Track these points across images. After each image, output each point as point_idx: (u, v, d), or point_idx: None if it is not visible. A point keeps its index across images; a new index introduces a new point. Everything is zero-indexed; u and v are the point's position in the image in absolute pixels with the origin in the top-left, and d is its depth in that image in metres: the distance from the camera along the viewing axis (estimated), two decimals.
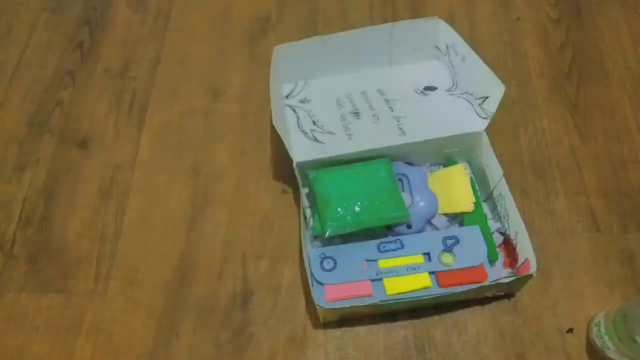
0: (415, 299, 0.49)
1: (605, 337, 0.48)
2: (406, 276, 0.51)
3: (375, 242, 0.52)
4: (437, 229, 0.54)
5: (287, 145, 0.54)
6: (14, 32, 0.75)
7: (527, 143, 0.62)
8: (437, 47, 0.62)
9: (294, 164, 0.54)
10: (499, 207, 0.54)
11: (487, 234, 0.53)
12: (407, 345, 0.52)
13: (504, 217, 0.53)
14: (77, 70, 0.71)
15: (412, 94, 0.60)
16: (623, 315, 0.46)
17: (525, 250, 0.49)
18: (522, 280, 0.49)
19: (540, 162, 0.61)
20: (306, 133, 0.58)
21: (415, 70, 0.63)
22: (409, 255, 0.52)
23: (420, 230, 0.54)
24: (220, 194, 0.61)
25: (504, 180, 0.52)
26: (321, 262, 0.52)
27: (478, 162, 0.57)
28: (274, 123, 0.53)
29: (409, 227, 0.53)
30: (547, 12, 0.72)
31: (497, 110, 0.53)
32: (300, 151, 0.55)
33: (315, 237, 0.55)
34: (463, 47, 0.56)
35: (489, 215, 0.56)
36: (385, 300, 0.50)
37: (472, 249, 0.51)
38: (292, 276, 0.56)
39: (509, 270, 0.53)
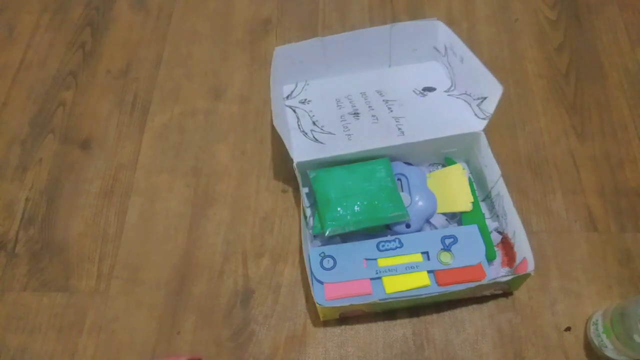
0: (414, 297, 0.49)
1: (603, 336, 0.48)
2: (405, 275, 0.51)
3: (374, 241, 0.53)
4: (436, 228, 0.55)
5: (287, 146, 0.55)
6: (16, 33, 0.75)
7: (525, 143, 0.62)
8: (435, 48, 0.62)
9: (294, 164, 0.55)
10: (497, 207, 0.55)
11: (485, 233, 0.53)
12: (406, 343, 0.52)
13: (502, 217, 0.54)
14: (79, 71, 0.71)
15: (411, 95, 0.61)
16: (621, 314, 0.46)
17: (523, 249, 0.50)
18: (520, 279, 0.50)
19: (538, 162, 0.61)
20: (306, 133, 0.58)
21: (414, 71, 0.63)
22: (408, 254, 0.52)
23: (419, 230, 0.54)
24: (221, 194, 0.61)
25: (502, 180, 0.53)
26: (321, 261, 0.52)
27: (476, 162, 0.57)
28: (274, 123, 0.53)
29: (408, 226, 0.54)
30: (545, 13, 0.72)
31: (495, 111, 0.53)
32: (301, 151, 0.56)
33: (315, 236, 0.56)
34: (461, 48, 0.57)
35: (487, 215, 0.56)
36: (384, 299, 0.50)
37: (470, 248, 0.52)
38: (292, 275, 0.56)
39: (507, 269, 0.53)
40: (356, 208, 0.53)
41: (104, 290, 0.56)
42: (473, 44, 0.65)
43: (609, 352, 0.48)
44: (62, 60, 0.72)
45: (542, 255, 0.55)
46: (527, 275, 0.48)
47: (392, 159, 0.56)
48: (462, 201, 0.55)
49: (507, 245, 0.53)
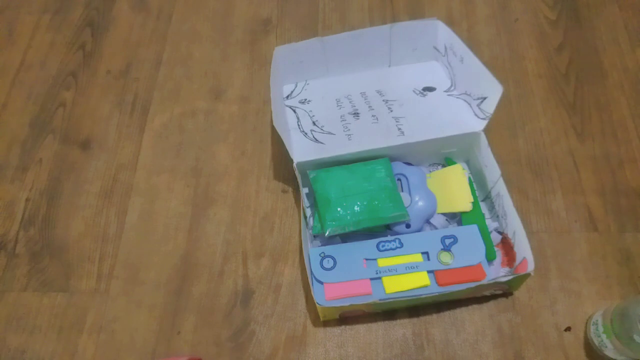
0: (414, 297, 0.49)
1: (603, 336, 0.48)
2: (405, 275, 0.51)
3: (374, 241, 0.53)
4: (436, 228, 0.55)
5: (287, 146, 0.55)
6: (16, 33, 0.75)
7: (525, 143, 0.62)
8: (435, 48, 0.62)
9: (294, 164, 0.55)
10: (497, 207, 0.55)
11: (485, 234, 0.53)
12: (406, 344, 0.52)
13: (502, 217, 0.54)
14: (79, 71, 0.71)
15: (411, 95, 0.61)
16: (621, 314, 0.46)
17: (523, 249, 0.50)
18: (520, 279, 0.50)
19: (538, 162, 0.61)
20: (306, 133, 0.58)
21: (414, 71, 0.63)
22: (408, 254, 0.52)
23: (419, 230, 0.54)
24: (221, 194, 0.61)
25: (502, 180, 0.53)
26: (321, 261, 0.52)
27: (476, 162, 0.57)
28: (274, 123, 0.53)
29: (408, 226, 0.54)
30: (545, 13, 0.72)
31: (495, 111, 0.53)
32: (301, 151, 0.56)
33: (315, 237, 0.56)
34: (461, 48, 0.57)
35: (487, 215, 0.56)
36: (384, 299, 0.50)
37: (470, 248, 0.52)
38: (292, 275, 0.56)
39: (507, 269, 0.53)
40: (356, 208, 0.53)
41: (104, 290, 0.56)
42: (473, 44, 0.66)
43: (609, 352, 0.48)
44: (62, 60, 0.72)
45: (542, 255, 0.55)
46: (527, 275, 0.48)
47: (392, 159, 0.56)
48: (462, 201, 0.55)
49: (507, 245, 0.53)
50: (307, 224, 0.55)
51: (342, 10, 0.74)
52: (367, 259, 0.52)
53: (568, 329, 0.52)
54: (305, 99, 0.62)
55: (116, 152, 0.65)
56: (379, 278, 0.51)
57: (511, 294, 0.54)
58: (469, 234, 0.53)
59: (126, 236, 0.59)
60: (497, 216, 0.55)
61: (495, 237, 0.54)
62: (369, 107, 0.60)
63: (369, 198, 0.53)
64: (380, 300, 0.50)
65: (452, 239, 0.52)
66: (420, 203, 0.54)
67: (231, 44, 0.72)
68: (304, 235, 0.53)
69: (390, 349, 0.52)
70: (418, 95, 0.61)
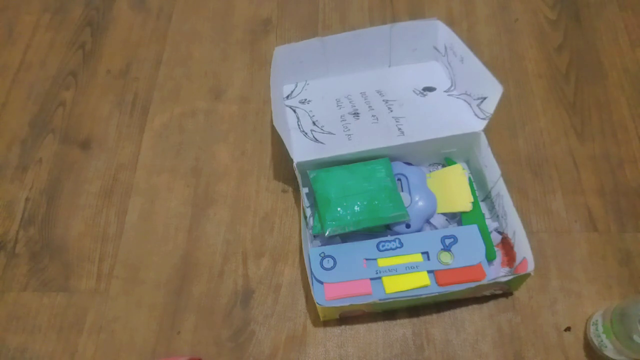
0: (414, 297, 0.49)
1: (603, 336, 0.48)
2: (405, 275, 0.51)
3: (374, 241, 0.53)
4: (436, 228, 0.55)
5: (287, 146, 0.55)
6: (16, 32, 0.75)
7: (525, 143, 0.62)
8: (435, 48, 0.62)
9: (294, 164, 0.55)
10: (497, 207, 0.55)
11: (485, 234, 0.53)
12: (406, 344, 0.52)
13: (502, 217, 0.54)
14: (79, 70, 0.71)
15: (411, 95, 0.61)
16: (620, 314, 0.46)
17: (523, 249, 0.50)
18: (520, 279, 0.50)
19: (538, 162, 0.61)
20: (306, 133, 0.58)
21: (414, 71, 0.63)
22: (408, 254, 0.52)
23: (419, 230, 0.54)
24: (221, 194, 0.61)
25: (502, 180, 0.53)
26: (321, 261, 0.52)
27: (476, 162, 0.57)
28: (274, 123, 0.53)
29: (408, 226, 0.54)
30: (545, 13, 0.72)
31: (495, 111, 0.53)
32: (301, 151, 0.56)
33: (315, 236, 0.56)
34: (461, 48, 0.57)
35: (487, 215, 0.56)
36: (384, 299, 0.50)
37: (470, 248, 0.52)
38: (292, 275, 0.56)
39: (507, 269, 0.53)
40: (356, 208, 0.53)
41: (104, 290, 0.56)
42: (473, 44, 0.66)
43: (609, 352, 0.48)
44: (62, 60, 0.72)
45: (542, 255, 0.55)
46: (527, 275, 0.48)
47: (392, 159, 0.56)
48: (462, 201, 0.55)
49: (507, 245, 0.53)
50: (307, 224, 0.55)
51: (342, 10, 0.74)
52: (367, 259, 0.52)
53: (568, 329, 0.52)
54: (305, 99, 0.62)
55: (116, 152, 0.65)
56: (379, 278, 0.51)
57: (511, 294, 0.54)
58: (469, 234, 0.53)
59: (126, 236, 0.59)
60: (497, 216, 0.55)
61: (495, 237, 0.54)
62: (369, 107, 0.60)
63: (369, 198, 0.53)
64: (380, 300, 0.50)
65: (452, 239, 0.52)
66: (420, 203, 0.54)
67: (231, 44, 0.72)
68: (304, 235, 0.53)
69: (390, 349, 0.52)
70: (418, 95, 0.61)
